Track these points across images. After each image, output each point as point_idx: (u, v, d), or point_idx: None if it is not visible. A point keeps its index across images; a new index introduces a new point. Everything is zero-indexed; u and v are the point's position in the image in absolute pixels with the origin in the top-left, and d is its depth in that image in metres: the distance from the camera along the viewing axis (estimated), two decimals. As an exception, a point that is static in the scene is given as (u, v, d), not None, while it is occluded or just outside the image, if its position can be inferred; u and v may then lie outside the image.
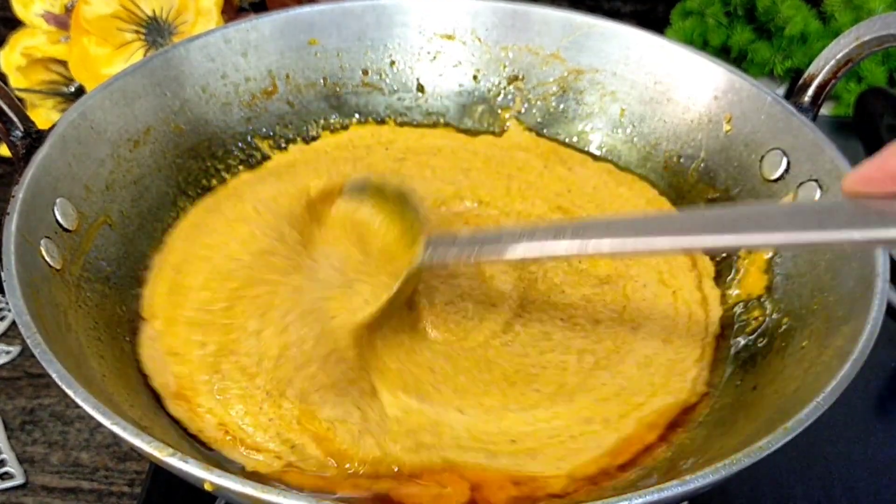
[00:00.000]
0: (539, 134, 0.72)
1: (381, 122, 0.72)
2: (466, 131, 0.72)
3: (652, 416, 0.51)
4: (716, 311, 0.58)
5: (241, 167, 0.67)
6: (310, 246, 0.57)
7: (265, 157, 0.68)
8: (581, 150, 0.71)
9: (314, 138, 0.70)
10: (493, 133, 0.72)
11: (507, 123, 0.72)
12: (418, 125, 0.73)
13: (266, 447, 0.47)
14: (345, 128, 0.71)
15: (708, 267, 0.61)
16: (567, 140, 0.72)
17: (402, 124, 0.72)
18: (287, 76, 0.70)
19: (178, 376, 0.50)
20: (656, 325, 0.57)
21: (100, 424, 0.38)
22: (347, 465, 0.46)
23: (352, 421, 0.48)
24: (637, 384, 0.53)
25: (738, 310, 0.58)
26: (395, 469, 0.46)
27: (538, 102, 0.72)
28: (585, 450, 0.48)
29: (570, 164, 0.69)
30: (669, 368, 0.54)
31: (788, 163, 0.58)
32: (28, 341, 0.41)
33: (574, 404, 0.51)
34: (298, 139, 0.70)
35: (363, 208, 0.58)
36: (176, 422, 0.49)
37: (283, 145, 0.69)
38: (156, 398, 0.50)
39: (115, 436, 0.38)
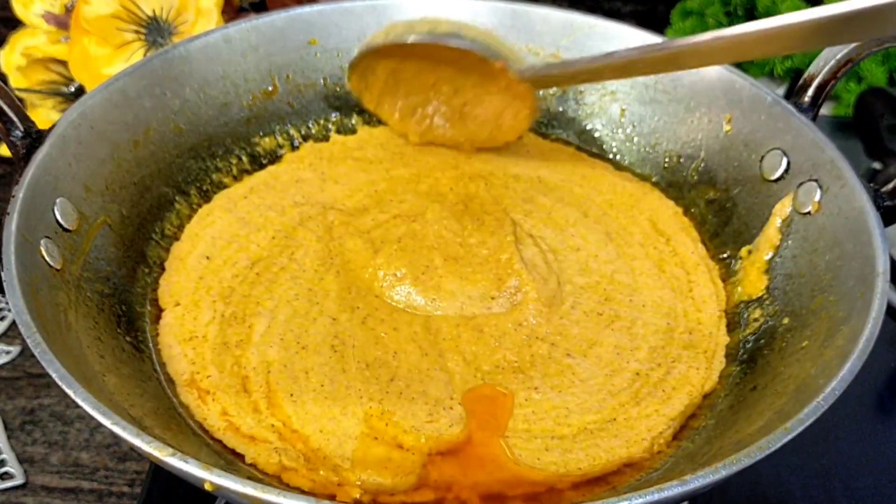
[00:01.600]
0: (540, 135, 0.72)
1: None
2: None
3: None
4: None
5: (243, 166, 0.67)
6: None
7: (265, 157, 0.68)
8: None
9: (325, 138, 0.71)
10: None
11: None
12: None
13: (262, 436, 0.48)
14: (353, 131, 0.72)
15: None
16: (567, 140, 0.72)
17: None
18: (287, 76, 0.70)
19: (193, 361, 0.51)
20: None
21: (100, 424, 0.38)
22: (338, 468, 0.46)
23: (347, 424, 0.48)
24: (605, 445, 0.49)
25: (739, 311, 0.58)
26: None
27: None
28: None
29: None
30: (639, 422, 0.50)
31: (788, 163, 0.59)
32: (28, 341, 0.41)
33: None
34: (302, 140, 0.70)
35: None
36: (181, 416, 0.49)
37: (296, 144, 0.70)
38: (159, 395, 0.50)
39: (115, 436, 0.38)
